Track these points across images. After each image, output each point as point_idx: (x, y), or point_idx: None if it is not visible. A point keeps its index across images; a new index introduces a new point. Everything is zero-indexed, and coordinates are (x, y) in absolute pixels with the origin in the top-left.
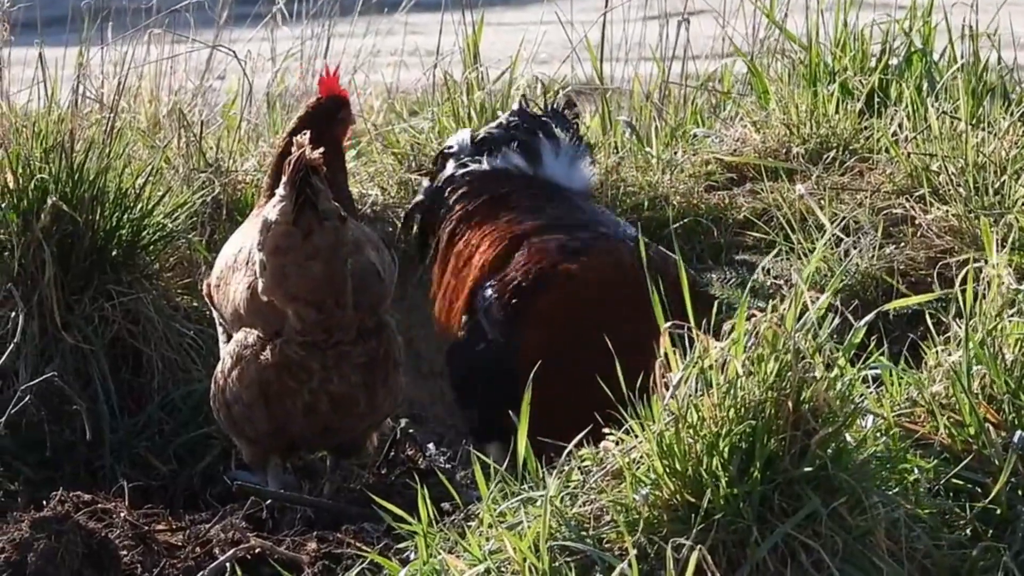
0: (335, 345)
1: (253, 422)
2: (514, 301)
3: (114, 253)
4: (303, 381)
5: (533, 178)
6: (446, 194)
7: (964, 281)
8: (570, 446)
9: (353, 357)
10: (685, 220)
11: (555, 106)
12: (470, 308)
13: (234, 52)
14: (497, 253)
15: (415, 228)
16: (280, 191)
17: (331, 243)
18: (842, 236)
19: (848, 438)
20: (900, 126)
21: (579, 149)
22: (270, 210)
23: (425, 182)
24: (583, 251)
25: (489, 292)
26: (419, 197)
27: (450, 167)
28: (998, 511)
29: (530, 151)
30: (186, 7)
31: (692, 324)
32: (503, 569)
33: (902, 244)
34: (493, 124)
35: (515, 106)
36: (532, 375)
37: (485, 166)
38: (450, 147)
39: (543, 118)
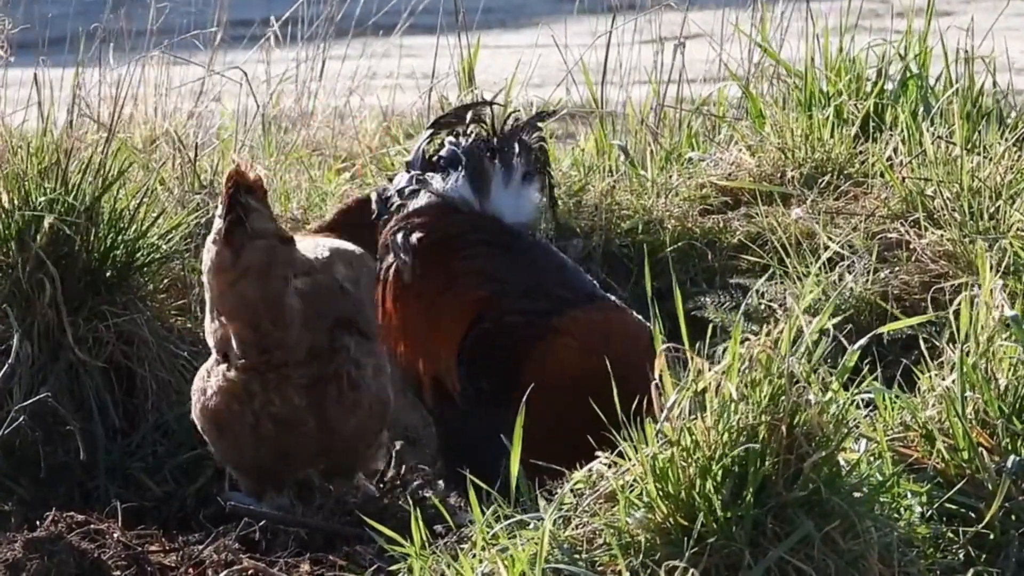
0: (276, 367)
1: (220, 451)
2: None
3: (108, 274)
4: (245, 403)
5: (480, 215)
6: (391, 207)
7: (958, 305)
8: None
9: (294, 379)
10: (680, 244)
11: (515, 127)
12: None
13: (245, 73)
14: (462, 329)
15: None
16: (216, 211)
17: (262, 262)
18: (836, 260)
19: (842, 462)
20: (895, 150)
21: (529, 176)
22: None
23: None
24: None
25: (464, 373)
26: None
27: (402, 178)
28: (991, 536)
29: (479, 180)
30: (183, 29)
31: (687, 347)
32: None
33: (896, 268)
34: (451, 139)
35: (471, 126)
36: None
37: (431, 192)
38: (407, 158)
39: (502, 141)
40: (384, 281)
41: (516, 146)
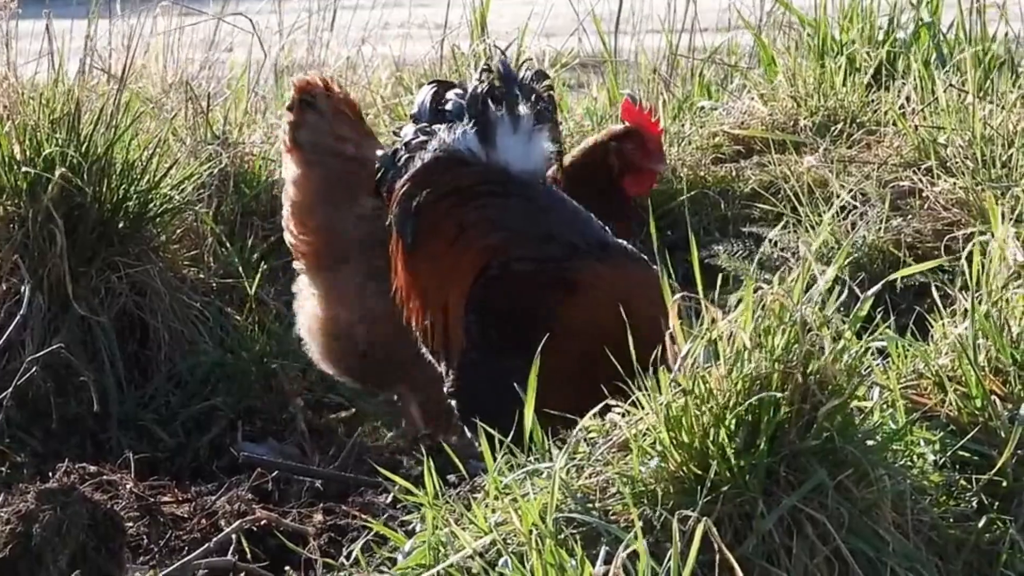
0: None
1: None
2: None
3: (121, 225)
4: None
5: (487, 166)
6: (399, 162)
7: (970, 253)
8: (584, 422)
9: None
10: (693, 193)
11: (523, 77)
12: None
13: (252, 21)
14: (470, 278)
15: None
16: None
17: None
18: (849, 208)
19: (854, 411)
20: (907, 99)
21: (541, 123)
22: None
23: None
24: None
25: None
26: (376, 163)
27: (408, 131)
28: (1004, 483)
29: (485, 130)
30: None
31: (701, 296)
32: (509, 541)
33: (909, 217)
34: (457, 89)
35: (477, 74)
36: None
37: (437, 145)
38: (413, 108)
39: (509, 89)
40: (394, 245)
41: (522, 93)
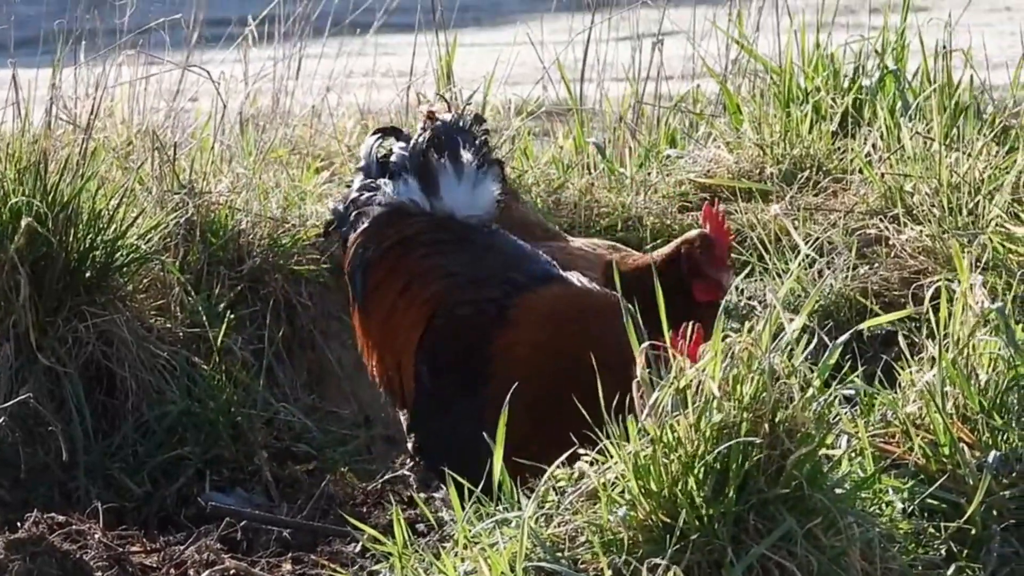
0: None
1: None
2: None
3: (88, 275)
4: None
5: (432, 216)
6: (351, 218)
7: (937, 301)
8: (550, 470)
9: None
10: (659, 241)
11: (462, 123)
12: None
13: (208, 72)
14: (419, 329)
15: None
16: None
17: None
18: (816, 257)
19: (823, 459)
20: (874, 146)
21: (485, 169)
22: None
23: (336, 202)
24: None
25: (424, 369)
26: (328, 216)
27: (356, 185)
28: (973, 531)
29: (429, 180)
30: (159, 27)
31: (668, 344)
32: None
33: (876, 265)
34: (399, 144)
35: (420, 125)
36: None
37: (383, 199)
38: (359, 161)
39: (451, 138)
40: (353, 304)
41: (462, 140)
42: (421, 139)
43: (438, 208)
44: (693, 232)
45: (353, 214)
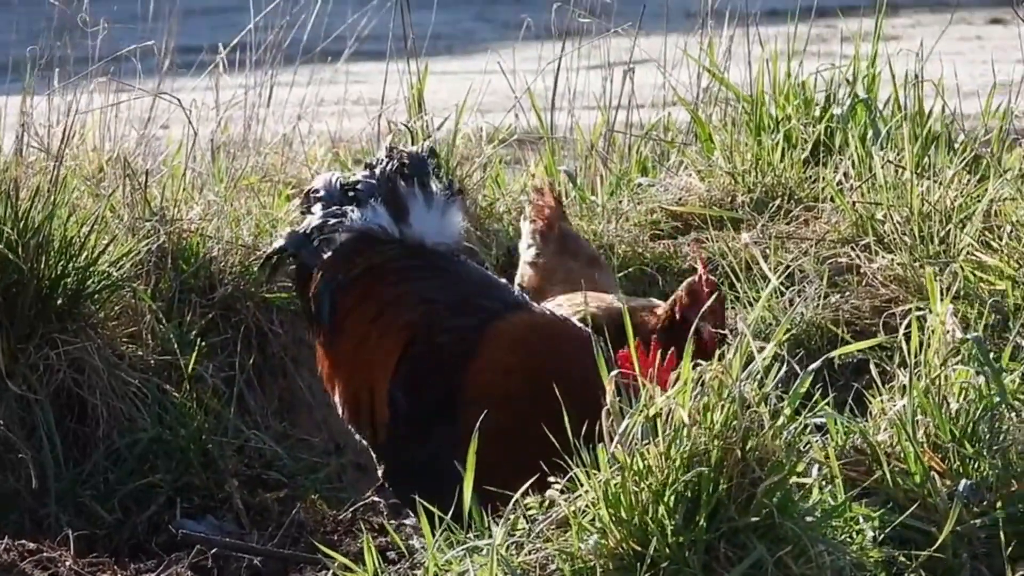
0: None
1: None
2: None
3: (59, 302)
4: None
5: (403, 243)
6: (315, 244)
7: (909, 330)
8: (515, 496)
9: None
10: (630, 269)
11: (421, 154)
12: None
13: (179, 100)
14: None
15: (288, 275)
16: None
17: None
18: (787, 285)
19: (794, 487)
20: (845, 175)
21: (452, 197)
22: None
23: (286, 228)
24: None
25: (400, 396)
26: (280, 242)
27: (317, 214)
28: (943, 560)
29: (398, 207)
30: (130, 54)
31: (638, 372)
32: None
33: (847, 293)
34: (364, 171)
35: (381, 154)
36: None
37: (351, 225)
38: (316, 191)
39: (419, 165)
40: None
41: (429, 169)
42: (389, 166)
43: (408, 235)
44: (681, 288)
45: (317, 240)
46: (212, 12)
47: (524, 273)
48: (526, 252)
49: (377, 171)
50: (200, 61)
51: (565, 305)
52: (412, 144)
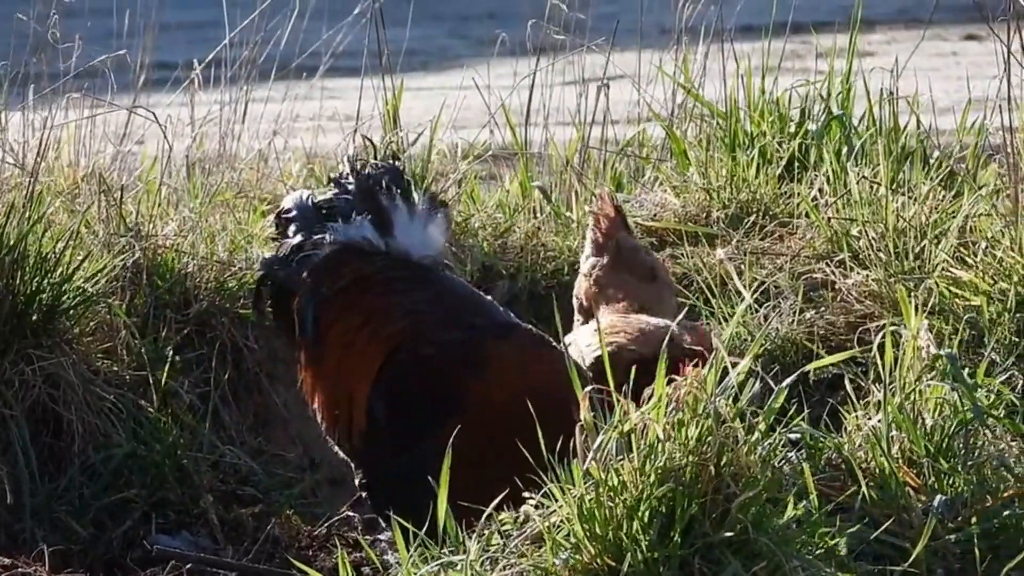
0: None
1: None
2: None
3: (34, 317)
4: None
5: (388, 254)
6: (295, 264)
7: (883, 346)
8: (488, 509)
9: None
10: None
11: (399, 166)
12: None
13: (154, 115)
14: (378, 364)
15: (267, 304)
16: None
17: None
18: (762, 301)
19: (769, 502)
20: (820, 191)
21: (435, 210)
22: None
23: (264, 253)
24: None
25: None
26: (260, 272)
27: (296, 234)
28: (918, 575)
29: (382, 219)
30: (104, 67)
31: (612, 389)
32: None
33: (822, 309)
34: (333, 187)
35: (346, 169)
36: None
37: (336, 238)
38: (288, 210)
39: (399, 179)
40: (298, 339)
41: (407, 182)
42: (371, 180)
43: (393, 247)
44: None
45: (298, 257)
46: (187, 28)
47: (580, 284)
48: (584, 263)
49: (354, 185)
50: (175, 77)
51: (585, 336)
52: (375, 157)
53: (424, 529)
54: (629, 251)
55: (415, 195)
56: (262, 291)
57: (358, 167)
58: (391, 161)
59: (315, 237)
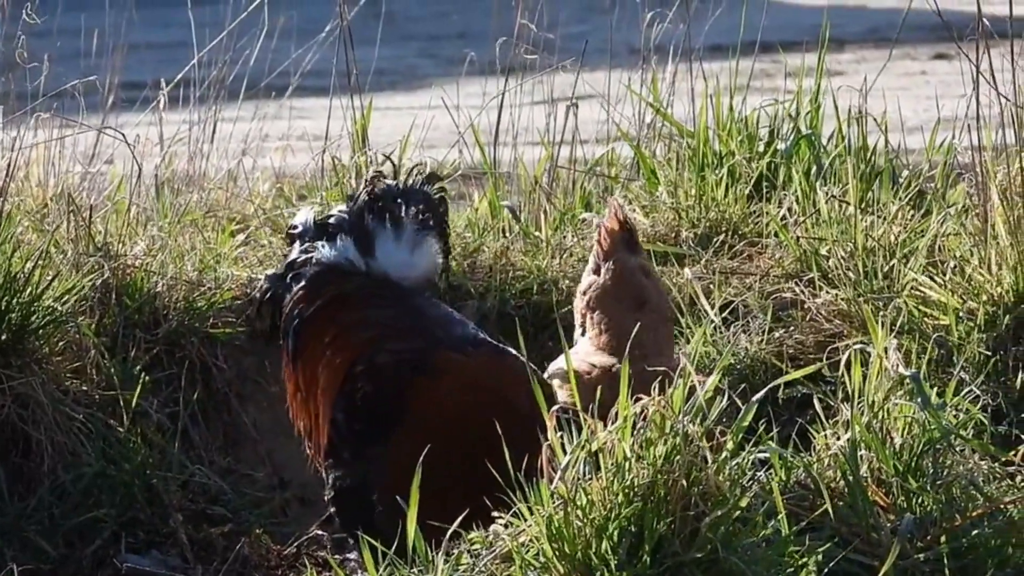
0: None
1: None
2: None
3: (3, 337)
4: None
5: (367, 275)
6: (288, 281)
7: (851, 365)
8: (453, 526)
9: None
10: (573, 304)
11: (411, 183)
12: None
13: (123, 135)
14: (340, 377)
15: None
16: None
17: None
18: (731, 320)
19: (738, 521)
20: (789, 210)
21: (424, 230)
22: None
23: (270, 270)
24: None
25: (340, 417)
26: (265, 285)
27: (294, 251)
28: None
29: (365, 241)
30: (74, 90)
31: (579, 408)
32: None
33: (791, 328)
34: (341, 206)
35: (363, 186)
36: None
37: (320, 257)
38: (295, 227)
39: (392, 199)
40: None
41: (407, 201)
42: (361, 200)
43: (373, 268)
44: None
45: (290, 276)
46: (157, 48)
47: (577, 299)
48: (584, 278)
49: (350, 204)
50: (144, 97)
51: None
52: (396, 177)
53: (394, 544)
54: (626, 274)
55: (406, 216)
56: (262, 308)
57: (372, 186)
58: (424, 183)
59: (304, 257)
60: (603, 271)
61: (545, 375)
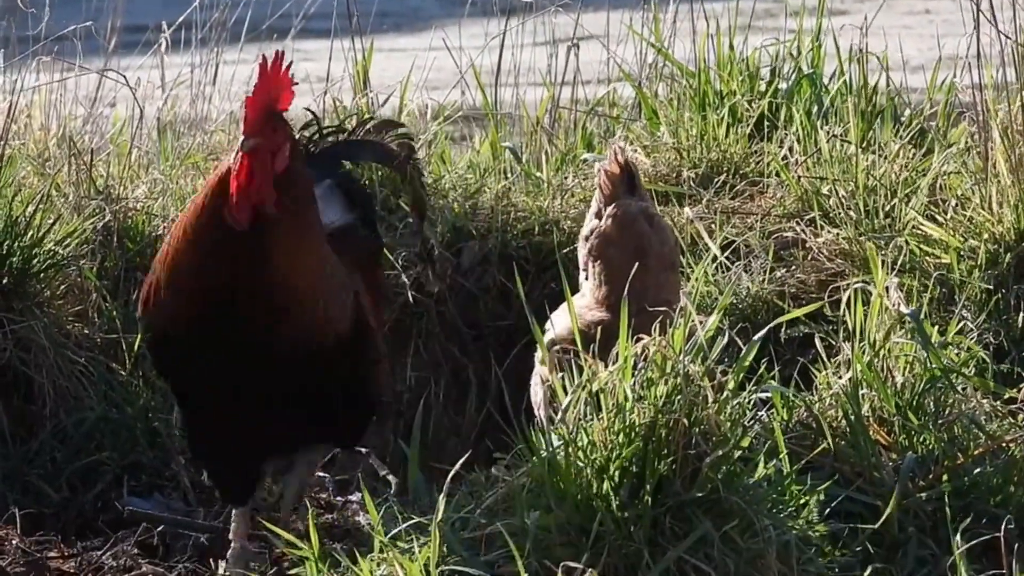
0: None
1: None
2: None
3: (4, 281)
4: None
5: None
6: None
7: (852, 304)
8: (455, 468)
9: None
10: (575, 245)
11: (360, 132)
12: None
13: (125, 78)
14: None
15: None
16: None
17: None
18: (733, 260)
19: (739, 461)
20: (791, 150)
21: (341, 184)
22: None
23: None
24: None
25: None
26: None
27: None
28: (889, 533)
29: None
30: (74, 34)
31: (580, 348)
32: None
33: (793, 267)
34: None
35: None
36: None
37: None
38: None
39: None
40: None
41: (355, 155)
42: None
43: None
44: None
45: None
46: None
47: (580, 244)
48: (587, 223)
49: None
50: (146, 40)
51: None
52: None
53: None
54: (627, 221)
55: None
56: None
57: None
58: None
59: None
60: (605, 217)
61: (546, 339)
